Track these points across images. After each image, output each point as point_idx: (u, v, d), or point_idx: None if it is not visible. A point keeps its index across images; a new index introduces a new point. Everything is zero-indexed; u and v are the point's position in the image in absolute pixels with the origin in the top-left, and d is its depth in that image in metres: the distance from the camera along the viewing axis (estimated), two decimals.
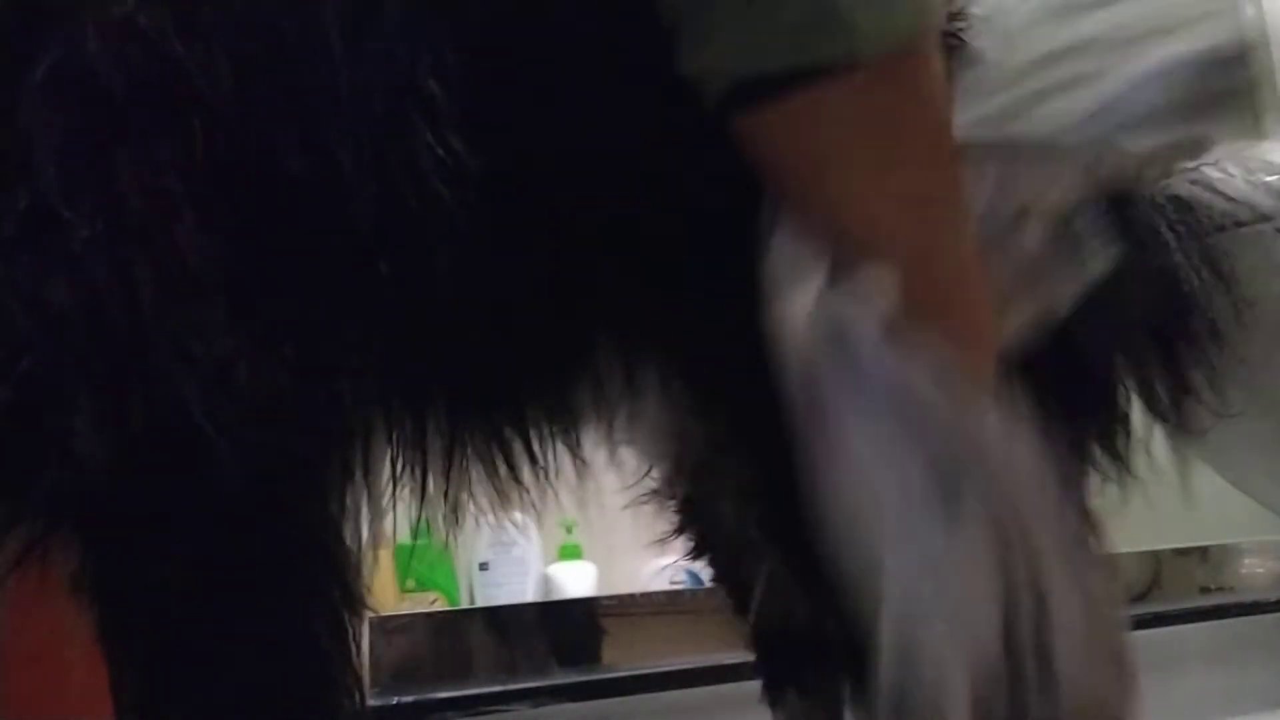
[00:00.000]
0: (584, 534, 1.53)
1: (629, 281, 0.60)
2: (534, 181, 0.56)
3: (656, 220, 0.58)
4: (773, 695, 0.81)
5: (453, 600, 1.46)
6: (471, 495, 0.63)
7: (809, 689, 0.79)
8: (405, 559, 1.39)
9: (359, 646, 0.53)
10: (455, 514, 0.63)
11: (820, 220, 0.54)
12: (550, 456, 0.65)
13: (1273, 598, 1.57)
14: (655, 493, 0.79)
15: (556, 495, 0.67)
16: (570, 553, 1.53)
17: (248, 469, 0.49)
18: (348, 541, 0.55)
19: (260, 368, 0.49)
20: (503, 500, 0.65)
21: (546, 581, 1.51)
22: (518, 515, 0.70)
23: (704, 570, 0.86)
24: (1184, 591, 1.61)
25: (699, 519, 0.81)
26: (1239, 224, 0.98)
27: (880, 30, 0.51)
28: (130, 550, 0.50)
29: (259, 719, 0.51)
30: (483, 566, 1.49)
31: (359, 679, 0.54)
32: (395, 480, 0.61)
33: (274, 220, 0.50)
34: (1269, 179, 0.82)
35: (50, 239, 0.46)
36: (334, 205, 0.51)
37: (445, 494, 0.63)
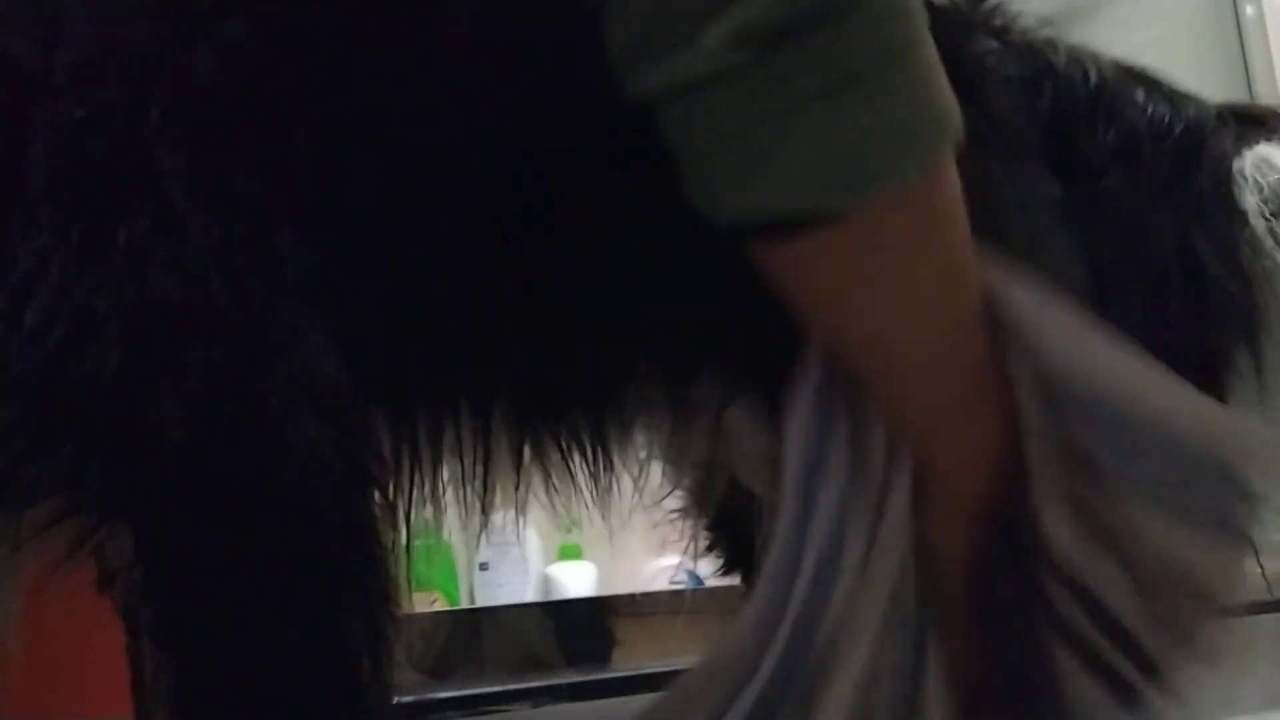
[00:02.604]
0: (584, 534, 1.53)
1: (674, 306, 0.61)
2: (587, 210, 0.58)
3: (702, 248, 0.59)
4: None
5: (453, 600, 1.46)
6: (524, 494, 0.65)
7: None
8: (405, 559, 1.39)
9: (392, 648, 0.54)
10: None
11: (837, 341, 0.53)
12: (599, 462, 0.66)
13: (1273, 598, 1.57)
14: (683, 509, 0.80)
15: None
16: (570, 553, 1.53)
17: (311, 464, 0.51)
18: (386, 543, 0.57)
19: (337, 370, 0.52)
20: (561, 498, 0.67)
21: (546, 581, 1.51)
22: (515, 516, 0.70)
23: (708, 572, 0.86)
24: None
25: (731, 534, 0.81)
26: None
27: (891, 172, 0.49)
28: (185, 543, 0.52)
29: (292, 717, 0.52)
30: (483, 566, 1.49)
31: (389, 681, 0.54)
32: (463, 478, 0.64)
33: (366, 231, 0.54)
34: None
35: (172, 245, 0.50)
36: (421, 221, 0.55)
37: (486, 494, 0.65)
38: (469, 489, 0.64)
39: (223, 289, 0.50)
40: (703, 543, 0.82)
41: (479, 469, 0.64)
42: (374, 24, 0.55)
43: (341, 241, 0.54)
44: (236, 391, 0.50)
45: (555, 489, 0.67)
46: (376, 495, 0.57)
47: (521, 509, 0.68)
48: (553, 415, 0.64)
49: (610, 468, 0.68)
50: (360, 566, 0.54)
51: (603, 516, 0.71)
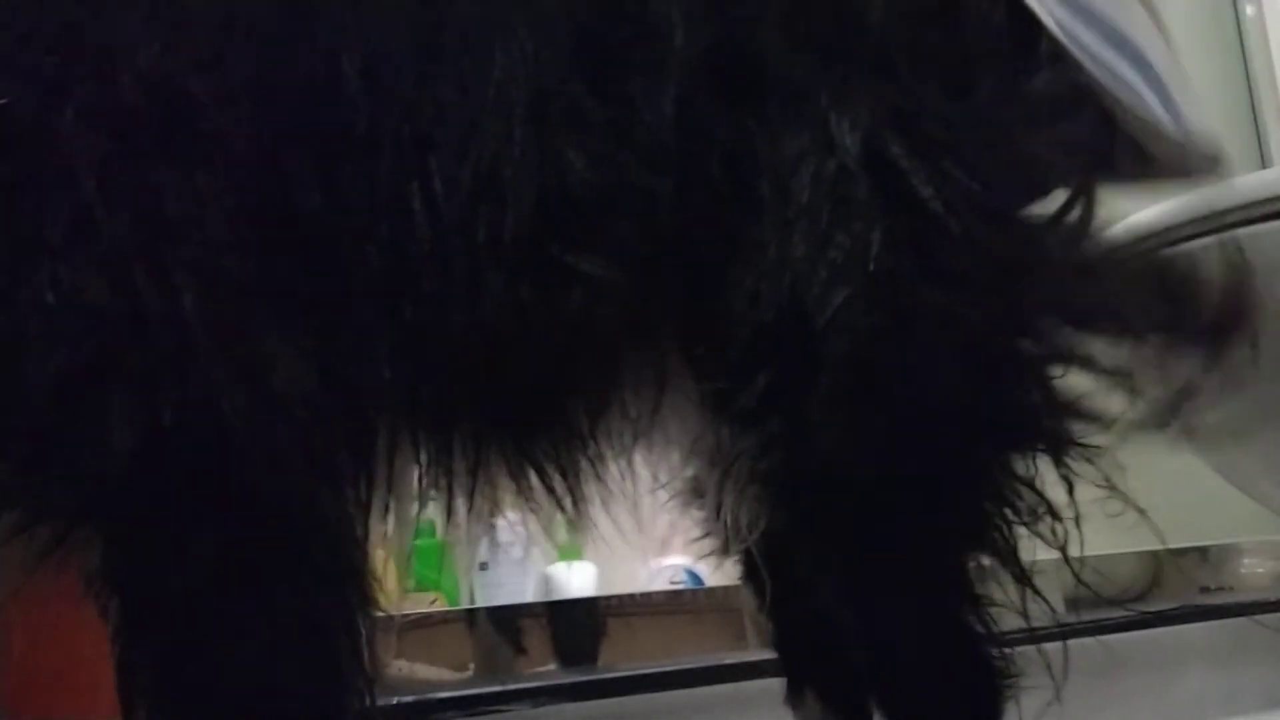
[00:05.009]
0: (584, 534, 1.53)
1: (654, 298, 0.61)
2: (542, 214, 0.57)
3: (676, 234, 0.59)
4: (793, 696, 0.81)
5: (453, 600, 1.45)
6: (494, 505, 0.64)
7: (827, 690, 0.79)
8: (405, 559, 1.39)
9: (370, 647, 0.54)
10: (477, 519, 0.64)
11: None
12: (573, 470, 0.66)
13: (1273, 598, 1.57)
14: (683, 489, 0.79)
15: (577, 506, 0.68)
16: (570, 553, 1.53)
17: (271, 467, 0.51)
18: (361, 542, 0.56)
19: (294, 371, 0.51)
20: (531, 508, 0.66)
21: (546, 581, 1.51)
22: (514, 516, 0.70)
23: (710, 570, 0.85)
24: (1184, 591, 1.61)
25: (726, 515, 0.80)
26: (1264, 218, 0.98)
27: None
28: (151, 546, 0.51)
29: (270, 717, 0.51)
30: (483, 566, 1.48)
31: (370, 679, 0.54)
32: (421, 484, 0.62)
33: (295, 245, 0.53)
34: None
35: (92, 243, 0.49)
36: (350, 238, 0.54)
37: (470, 502, 0.63)
38: (457, 492, 0.63)
39: (151, 288, 0.49)
40: (715, 536, 0.81)
41: (467, 475, 0.62)
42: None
43: (278, 253, 0.53)
44: (180, 393, 0.49)
45: (548, 493, 0.66)
46: (348, 491, 0.56)
47: (501, 512, 0.67)
48: (521, 422, 0.63)
49: (581, 480, 0.67)
50: (328, 563, 0.53)
51: (596, 522, 0.70)
